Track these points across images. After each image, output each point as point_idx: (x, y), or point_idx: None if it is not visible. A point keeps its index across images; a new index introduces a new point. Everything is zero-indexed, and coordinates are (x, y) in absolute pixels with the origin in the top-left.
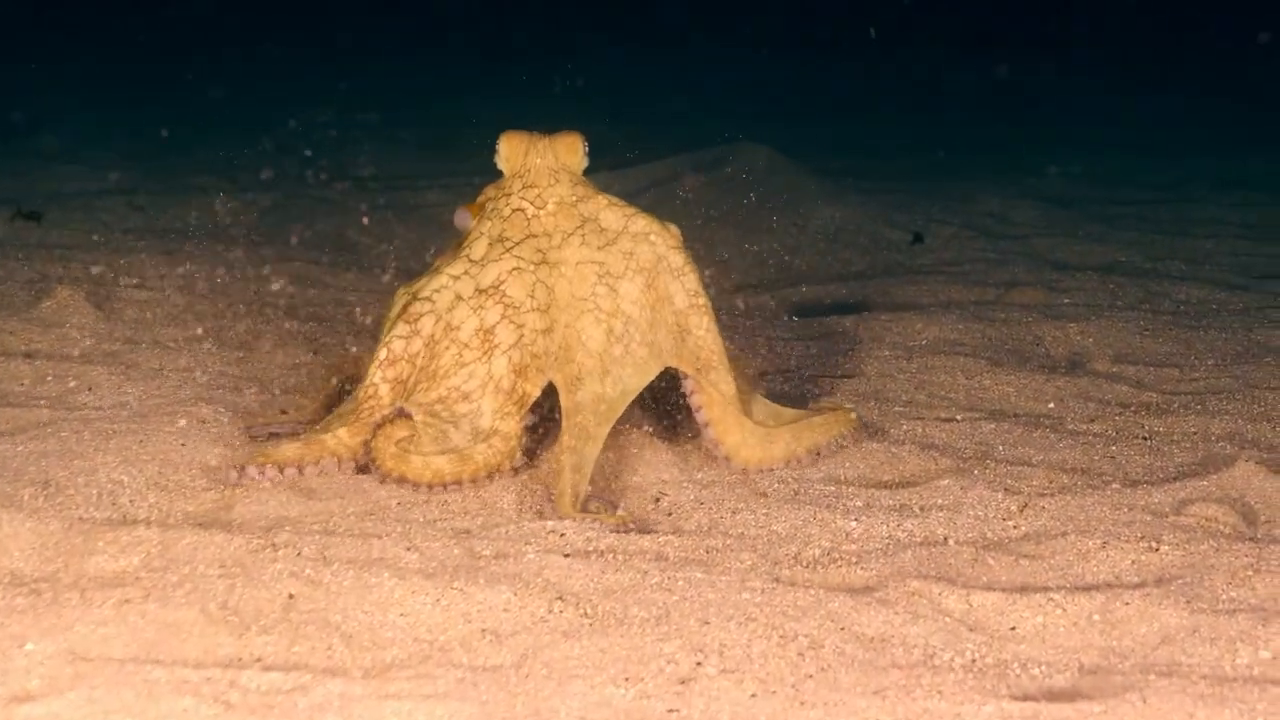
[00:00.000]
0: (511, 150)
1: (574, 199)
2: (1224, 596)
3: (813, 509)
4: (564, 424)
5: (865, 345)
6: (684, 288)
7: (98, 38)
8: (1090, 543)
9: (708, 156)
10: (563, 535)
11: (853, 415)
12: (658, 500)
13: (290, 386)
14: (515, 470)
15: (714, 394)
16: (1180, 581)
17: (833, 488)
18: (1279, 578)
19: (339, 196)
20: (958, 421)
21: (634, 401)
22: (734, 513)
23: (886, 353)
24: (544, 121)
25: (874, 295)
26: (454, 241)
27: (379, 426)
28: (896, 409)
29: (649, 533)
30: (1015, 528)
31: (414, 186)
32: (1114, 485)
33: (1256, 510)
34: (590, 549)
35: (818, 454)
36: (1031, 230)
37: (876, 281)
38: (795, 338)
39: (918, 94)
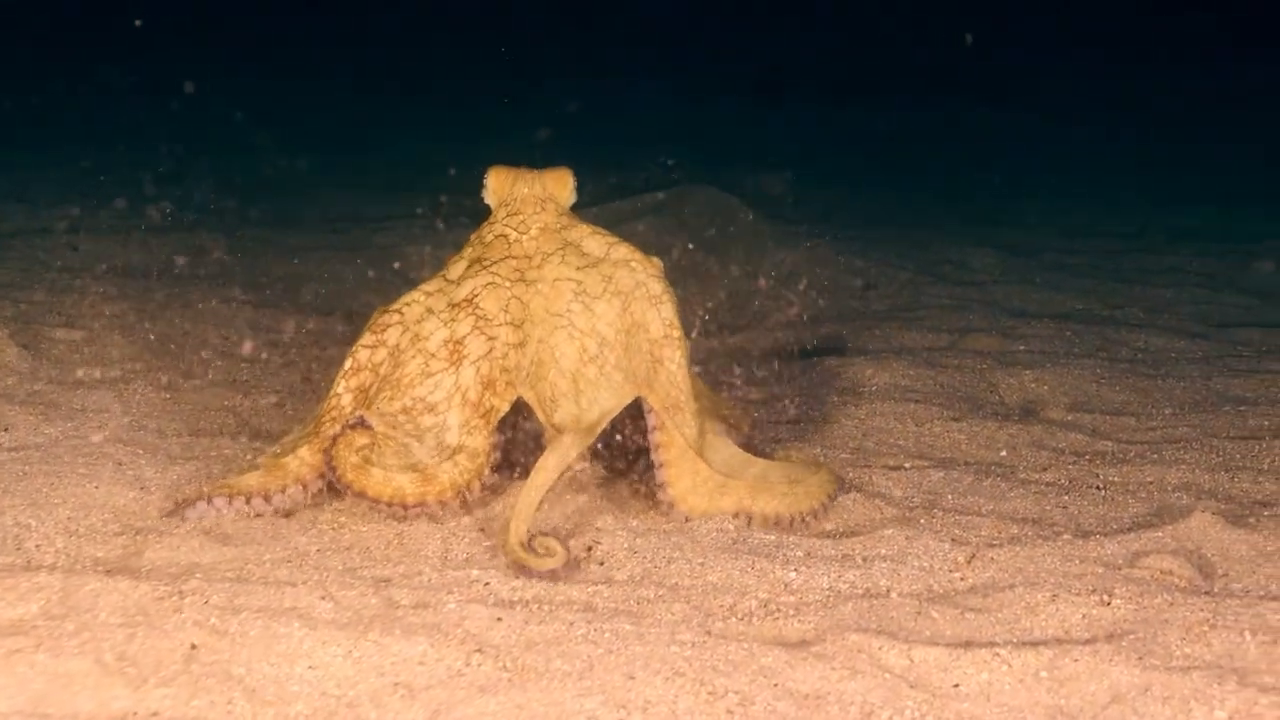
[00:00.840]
0: (499, 183)
1: (558, 226)
2: (1178, 653)
3: (751, 558)
4: (548, 446)
5: (813, 391)
6: (660, 316)
7: (42, 74)
8: (1039, 595)
9: (657, 200)
10: (487, 584)
11: (829, 480)
12: (590, 549)
13: (214, 429)
14: (484, 488)
15: (675, 436)
16: (1132, 637)
17: (773, 536)
18: (1235, 633)
19: (284, 237)
20: (905, 470)
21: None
22: (669, 562)
23: (834, 399)
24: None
25: (824, 340)
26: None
27: (339, 434)
28: (843, 456)
29: (579, 582)
30: (961, 579)
31: (362, 227)
32: (1065, 536)
33: (1213, 562)
34: (515, 599)
35: (776, 523)
36: (989, 277)
37: (827, 327)
38: (742, 382)
39: (877, 141)
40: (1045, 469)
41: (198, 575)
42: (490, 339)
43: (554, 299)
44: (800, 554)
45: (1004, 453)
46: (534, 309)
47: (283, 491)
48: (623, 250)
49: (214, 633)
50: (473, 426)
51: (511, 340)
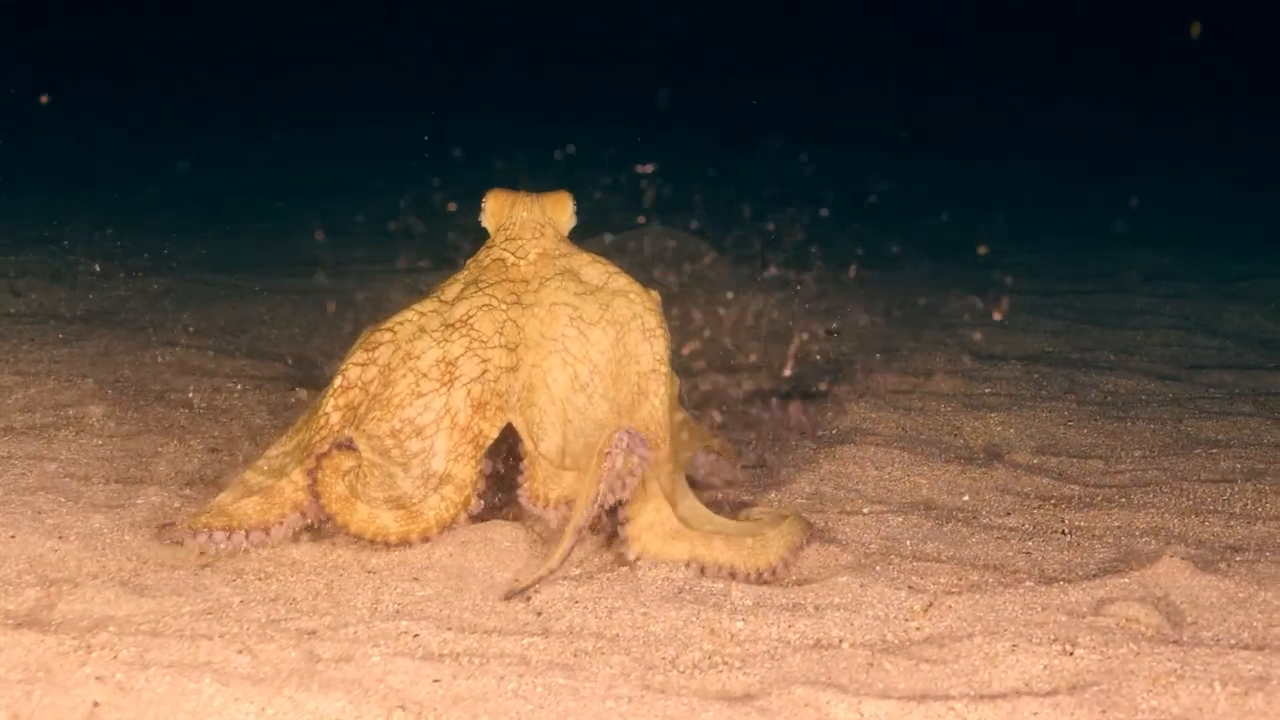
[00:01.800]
0: (497, 206)
1: (557, 253)
2: (1144, 705)
3: (697, 607)
4: (532, 475)
5: (773, 435)
6: (651, 350)
7: None
8: (999, 645)
9: (618, 242)
10: (416, 636)
11: (792, 532)
12: (529, 598)
13: (143, 477)
14: (471, 518)
15: (646, 471)
16: (1096, 689)
17: (721, 584)
18: (1205, 684)
19: (235, 281)
20: (864, 515)
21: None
22: (610, 612)
23: (792, 442)
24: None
25: (786, 384)
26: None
27: (323, 456)
28: (799, 501)
29: (513, 634)
30: (917, 629)
31: (306, 274)
32: (1028, 583)
33: (1182, 610)
34: (445, 651)
35: (732, 575)
36: (958, 320)
37: (790, 370)
38: (704, 427)
39: (848, 186)
40: (1008, 513)
41: (110, 628)
42: (484, 361)
43: (549, 323)
44: (749, 603)
45: (966, 497)
46: (529, 332)
47: (281, 522)
48: (622, 281)
49: (119, 689)
50: (460, 453)
51: (505, 363)
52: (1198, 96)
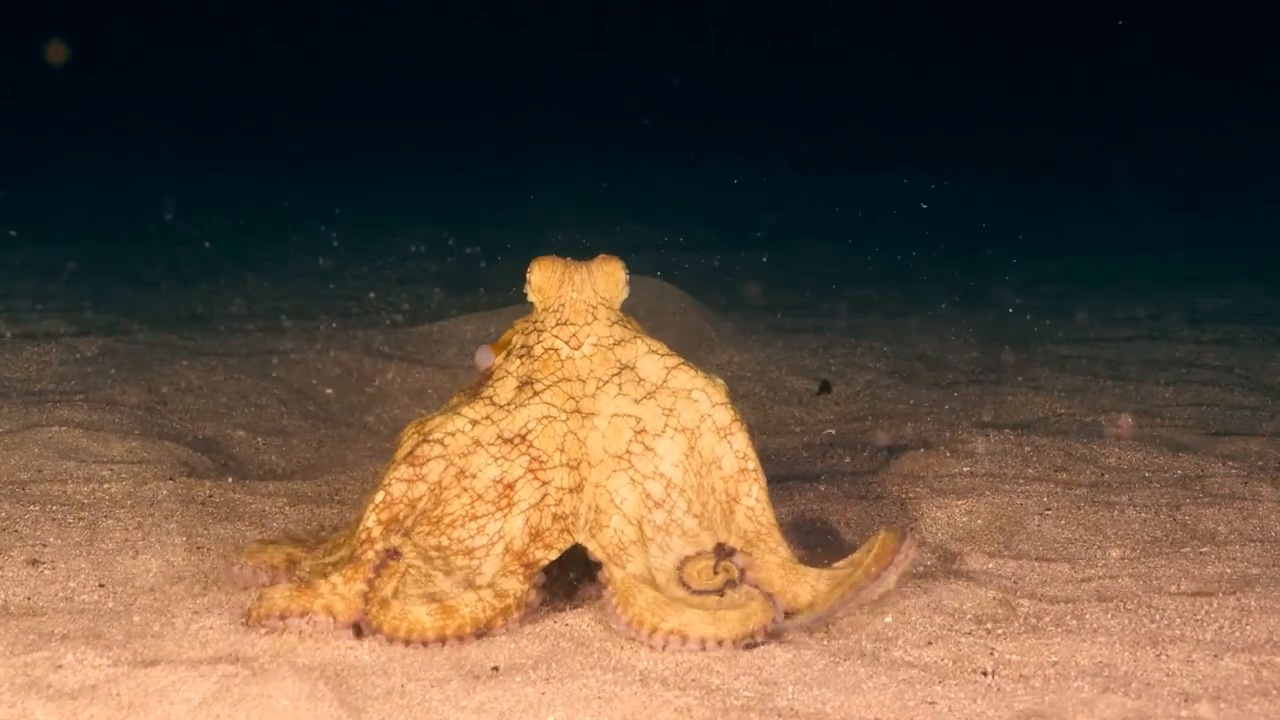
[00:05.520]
0: (545, 280)
1: (611, 341)
2: None
3: None
4: (627, 601)
5: None
6: (732, 449)
7: None
8: None
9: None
10: None
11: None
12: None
13: None
14: (507, 628)
15: (771, 560)
16: None
17: None
18: None
19: (175, 339)
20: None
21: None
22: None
23: None
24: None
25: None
26: (473, 380)
27: (380, 566)
28: None
29: None
30: None
31: (244, 329)
32: None
33: None
34: None
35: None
36: (964, 376)
37: (759, 441)
38: None
39: (863, 213)
40: (929, 643)
41: None
42: (544, 484)
43: (612, 438)
44: None
45: (889, 619)
46: (591, 447)
47: (303, 615)
48: (683, 377)
49: None
50: (510, 571)
51: (567, 484)
52: None
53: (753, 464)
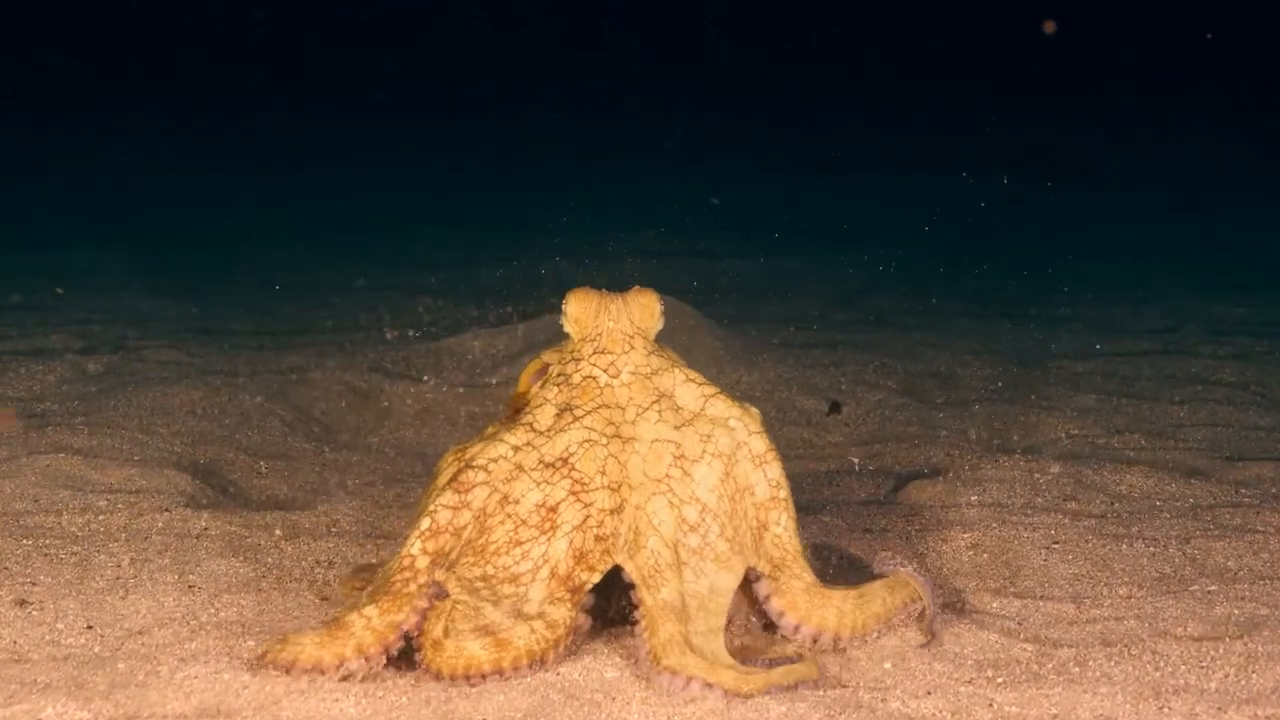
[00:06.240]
0: (581, 311)
1: (649, 369)
2: None
3: None
4: (658, 631)
5: None
6: (766, 477)
7: None
8: None
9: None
10: None
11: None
12: None
13: None
14: (558, 660)
15: (795, 585)
16: None
17: None
18: None
19: (185, 359)
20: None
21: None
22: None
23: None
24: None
25: None
26: (510, 408)
27: (429, 609)
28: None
29: None
30: None
31: (250, 344)
32: None
33: None
34: None
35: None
36: (977, 395)
37: None
38: None
39: (874, 219)
40: (930, 692)
41: None
42: (586, 505)
43: (652, 462)
44: None
45: (888, 665)
46: (632, 470)
47: (338, 665)
48: (720, 406)
49: None
50: (557, 599)
51: (608, 506)
52: None
53: (784, 492)
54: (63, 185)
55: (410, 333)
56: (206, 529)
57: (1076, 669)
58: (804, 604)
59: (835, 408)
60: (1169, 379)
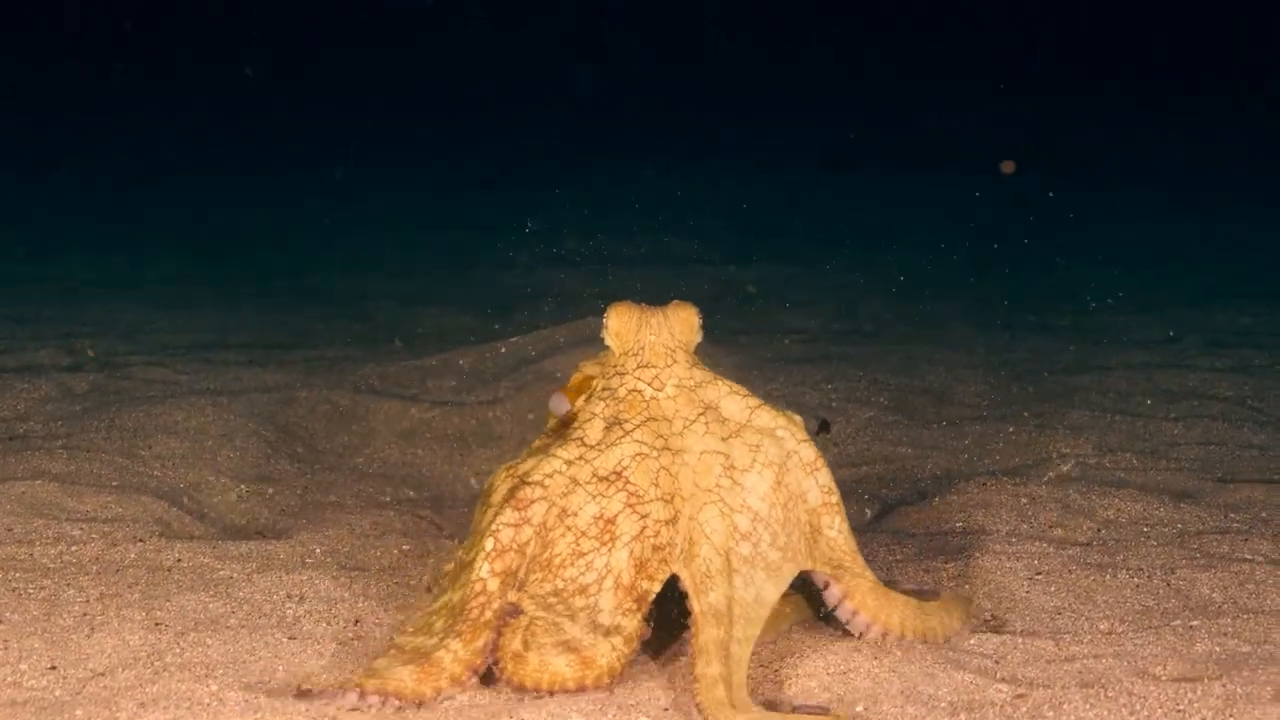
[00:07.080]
0: (622, 325)
1: (693, 382)
2: None
3: None
4: (699, 635)
5: None
6: (818, 483)
7: None
8: None
9: (585, 327)
10: None
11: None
12: None
13: None
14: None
15: (861, 583)
16: None
17: None
18: None
19: (172, 376)
20: None
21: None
22: None
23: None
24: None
25: None
26: (553, 424)
27: (502, 626)
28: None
29: None
30: None
31: (239, 360)
32: None
33: None
34: None
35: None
36: (971, 411)
37: None
38: None
39: (873, 220)
40: None
41: None
42: (642, 517)
43: (703, 473)
44: None
45: (860, 707)
46: (683, 482)
47: (436, 695)
48: (765, 417)
49: None
50: (625, 609)
51: (663, 516)
52: None
53: (835, 497)
54: (62, 187)
55: (399, 343)
56: (179, 560)
57: (1051, 713)
58: (873, 603)
59: (824, 426)
60: (1165, 394)
